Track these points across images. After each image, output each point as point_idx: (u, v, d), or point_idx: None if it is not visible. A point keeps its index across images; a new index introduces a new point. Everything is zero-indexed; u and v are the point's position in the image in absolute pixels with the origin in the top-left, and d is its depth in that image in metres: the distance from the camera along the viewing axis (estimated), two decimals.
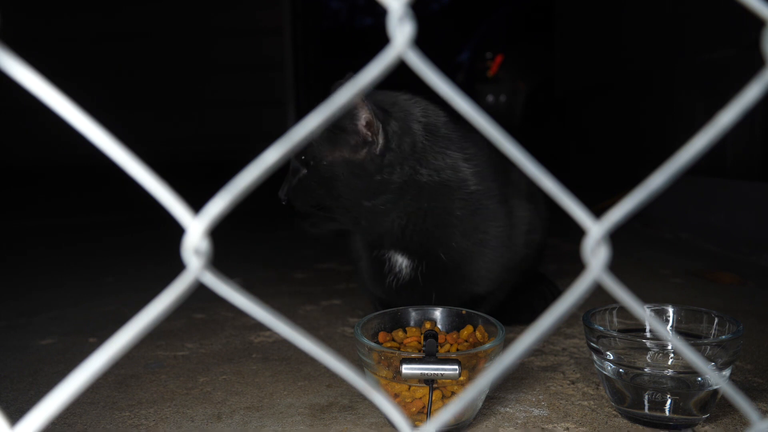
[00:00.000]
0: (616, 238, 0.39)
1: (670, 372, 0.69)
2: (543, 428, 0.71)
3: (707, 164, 1.64)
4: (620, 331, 0.78)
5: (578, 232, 0.35)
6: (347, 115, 0.82)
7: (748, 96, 0.31)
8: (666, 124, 2.38)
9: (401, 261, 0.93)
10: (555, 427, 0.71)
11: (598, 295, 0.43)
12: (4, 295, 1.36)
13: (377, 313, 0.81)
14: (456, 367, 0.64)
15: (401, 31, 0.29)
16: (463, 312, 0.81)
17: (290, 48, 4.13)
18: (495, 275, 0.95)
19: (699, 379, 0.68)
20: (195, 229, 0.29)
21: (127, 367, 0.91)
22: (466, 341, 0.77)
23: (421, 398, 0.68)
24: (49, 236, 2.19)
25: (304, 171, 0.87)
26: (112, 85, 3.87)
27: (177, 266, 0.37)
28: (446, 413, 0.32)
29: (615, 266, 0.38)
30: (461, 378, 0.65)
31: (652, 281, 1.36)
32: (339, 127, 0.83)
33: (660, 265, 1.50)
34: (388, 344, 0.76)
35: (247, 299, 0.30)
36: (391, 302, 0.96)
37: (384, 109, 0.86)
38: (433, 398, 0.66)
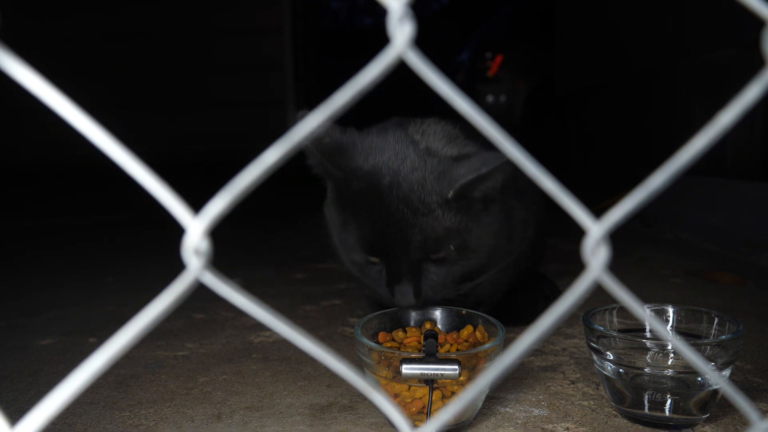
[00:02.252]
0: (616, 238, 0.39)
1: (670, 372, 0.69)
2: (543, 428, 0.71)
3: (707, 164, 1.64)
4: (620, 331, 0.78)
5: (578, 232, 0.35)
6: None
7: (748, 96, 0.31)
8: (666, 124, 2.38)
9: None
10: (555, 427, 0.71)
11: (598, 295, 0.43)
12: (4, 295, 1.36)
13: (377, 313, 0.80)
14: (456, 367, 0.64)
15: (401, 31, 0.29)
16: (463, 312, 0.81)
17: (290, 48, 4.13)
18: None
19: (699, 379, 0.68)
20: (195, 229, 0.29)
21: (127, 367, 0.91)
22: (466, 341, 0.77)
23: (421, 398, 0.68)
24: (49, 236, 2.19)
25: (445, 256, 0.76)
26: (112, 85, 3.86)
27: (177, 266, 0.37)
28: (446, 413, 0.32)
29: (615, 266, 0.38)
30: (461, 378, 0.65)
31: (652, 281, 1.36)
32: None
33: (660, 265, 1.50)
34: (388, 344, 0.76)
35: (247, 299, 0.30)
36: (388, 303, 0.95)
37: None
38: (433, 398, 0.66)
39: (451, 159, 0.76)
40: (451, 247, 0.74)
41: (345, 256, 0.81)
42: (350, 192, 0.75)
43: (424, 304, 0.77)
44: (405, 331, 0.79)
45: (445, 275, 0.76)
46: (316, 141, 0.75)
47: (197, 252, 0.29)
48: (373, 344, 0.69)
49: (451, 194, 0.72)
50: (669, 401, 0.69)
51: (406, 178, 0.73)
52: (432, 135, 0.80)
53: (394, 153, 0.75)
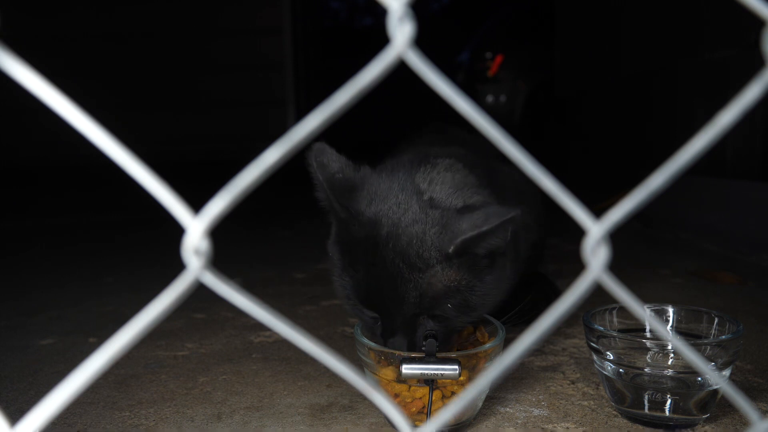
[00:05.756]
0: (616, 238, 0.39)
1: (670, 372, 0.69)
2: (543, 428, 0.71)
3: (707, 164, 1.64)
4: (620, 331, 0.78)
5: (578, 232, 0.35)
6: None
7: (748, 96, 0.31)
8: (666, 123, 2.38)
9: None
10: (555, 427, 0.71)
11: (598, 295, 0.43)
12: (4, 295, 1.36)
13: None
14: (456, 367, 0.64)
15: (401, 31, 0.29)
16: None
17: (290, 48, 4.13)
18: None
19: (699, 379, 0.68)
20: (195, 229, 0.29)
21: (127, 367, 0.91)
22: (466, 341, 0.77)
23: (421, 398, 0.68)
24: (49, 236, 2.19)
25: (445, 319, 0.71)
26: (112, 85, 3.86)
27: (177, 266, 0.37)
28: (446, 413, 0.32)
29: (615, 266, 0.38)
30: (461, 378, 0.65)
31: (652, 281, 1.36)
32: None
33: (660, 265, 1.50)
34: None
35: (247, 299, 0.30)
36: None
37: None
38: (433, 398, 0.66)
39: (455, 211, 0.71)
40: (449, 305, 0.69)
41: (342, 298, 0.77)
42: (350, 237, 0.72)
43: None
44: None
45: (443, 332, 0.71)
46: (329, 176, 0.71)
47: (197, 252, 0.29)
48: (372, 344, 0.69)
49: (451, 249, 0.67)
50: (669, 401, 0.69)
51: (405, 231, 0.69)
52: (440, 184, 0.76)
53: (396, 202, 0.71)
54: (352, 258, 0.72)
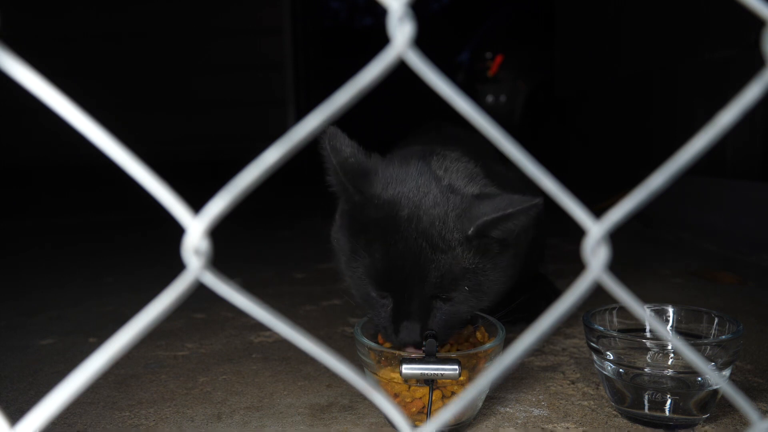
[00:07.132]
0: (616, 238, 0.39)
1: (670, 372, 0.69)
2: (543, 428, 0.71)
3: (707, 164, 1.64)
4: (620, 331, 0.78)
5: (578, 232, 0.35)
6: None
7: (748, 96, 0.31)
8: (666, 123, 2.38)
9: None
10: (555, 427, 0.71)
11: (598, 295, 0.43)
12: (4, 295, 1.36)
13: None
14: (456, 367, 0.64)
15: (401, 31, 0.29)
16: None
17: (290, 48, 4.12)
18: None
19: (699, 379, 0.68)
20: (195, 229, 0.29)
21: (127, 367, 0.91)
22: (466, 341, 0.77)
23: (421, 398, 0.68)
24: (50, 236, 2.19)
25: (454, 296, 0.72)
26: (111, 85, 3.86)
27: (177, 266, 0.37)
28: (446, 413, 0.32)
29: (615, 266, 0.38)
30: (461, 378, 0.65)
31: (652, 281, 1.36)
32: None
33: (660, 265, 1.50)
34: (388, 344, 0.76)
35: (247, 299, 0.30)
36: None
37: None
38: (433, 398, 0.66)
39: (473, 197, 0.74)
40: (466, 288, 0.71)
41: (352, 285, 0.77)
42: (365, 218, 0.72)
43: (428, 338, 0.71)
44: None
45: (454, 314, 0.72)
46: (342, 159, 0.72)
47: (197, 252, 0.29)
48: (372, 344, 0.70)
49: (471, 231, 0.70)
50: (669, 401, 0.69)
51: (427, 212, 0.71)
52: (455, 172, 0.78)
53: (415, 186, 0.73)
54: (367, 239, 0.72)
